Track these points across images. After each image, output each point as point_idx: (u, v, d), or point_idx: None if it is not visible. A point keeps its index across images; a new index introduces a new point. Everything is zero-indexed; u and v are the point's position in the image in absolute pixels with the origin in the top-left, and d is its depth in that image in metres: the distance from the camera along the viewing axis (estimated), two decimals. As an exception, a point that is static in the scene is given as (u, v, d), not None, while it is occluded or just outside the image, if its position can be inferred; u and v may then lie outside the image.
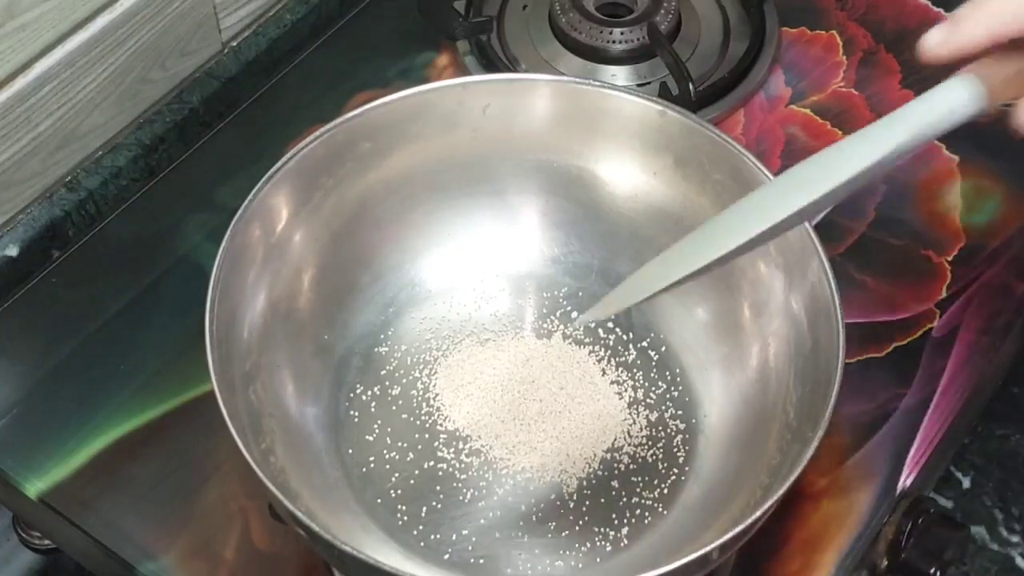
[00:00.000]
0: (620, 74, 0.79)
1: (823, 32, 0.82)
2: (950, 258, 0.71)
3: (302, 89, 0.79)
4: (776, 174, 0.59)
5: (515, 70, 0.78)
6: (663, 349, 0.66)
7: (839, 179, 0.46)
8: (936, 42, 0.45)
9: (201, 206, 0.73)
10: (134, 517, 0.62)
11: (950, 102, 0.46)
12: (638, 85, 0.78)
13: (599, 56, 0.79)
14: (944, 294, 0.70)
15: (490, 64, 0.78)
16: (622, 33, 0.78)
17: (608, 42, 0.78)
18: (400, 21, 0.82)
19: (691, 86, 0.74)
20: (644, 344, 0.66)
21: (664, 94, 0.75)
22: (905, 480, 0.63)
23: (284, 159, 0.60)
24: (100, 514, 0.62)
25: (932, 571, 0.62)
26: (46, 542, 0.73)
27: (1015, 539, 0.85)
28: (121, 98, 0.73)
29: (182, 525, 0.62)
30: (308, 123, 0.75)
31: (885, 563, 0.63)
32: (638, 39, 0.78)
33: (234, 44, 0.79)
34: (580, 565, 0.59)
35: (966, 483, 0.87)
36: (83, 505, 0.62)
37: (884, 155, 0.46)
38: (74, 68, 0.69)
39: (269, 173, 0.59)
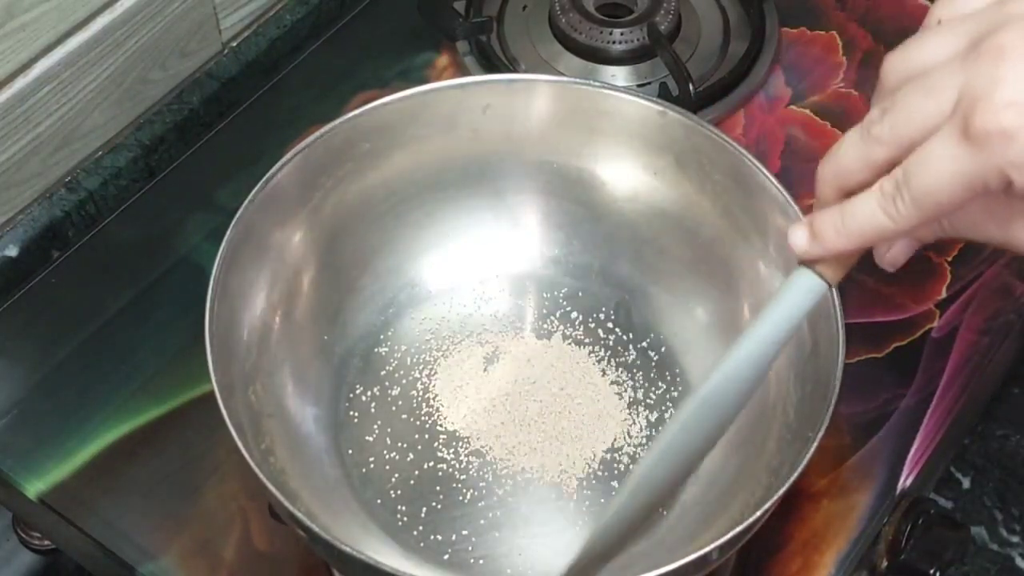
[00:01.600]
0: (620, 74, 0.79)
1: (823, 32, 0.82)
2: (950, 258, 0.71)
3: (302, 90, 0.79)
4: (776, 174, 0.59)
5: (515, 70, 0.78)
6: (663, 350, 0.66)
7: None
8: (801, 248, 0.48)
9: (201, 206, 0.73)
10: (134, 517, 0.62)
11: (799, 301, 0.49)
12: (638, 85, 0.78)
13: (599, 56, 0.79)
14: (944, 294, 0.70)
15: (490, 64, 0.78)
16: (622, 33, 0.78)
17: (608, 42, 0.78)
18: (400, 21, 0.82)
19: (691, 86, 0.74)
20: (644, 344, 0.66)
21: (664, 94, 0.75)
22: (905, 480, 0.63)
23: (284, 160, 0.60)
24: (100, 514, 0.62)
25: (932, 571, 0.62)
26: (46, 542, 0.73)
27: (1015, 539, 0.85)
28: (121, 98, 0.73)
29: (182, 525, 0.62)
30: (308, 123, 0.75)
31: (885, 563, 0.63)
32: (638, 39, 0.78)
33: (234, 44, 0.79)
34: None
35: (966, 483, 0.87)
36: (83, 505, 0.62)
37: (759, 364, 0.49)
38: (74, 68, 0.69)
39: (269, 173, 0.59)
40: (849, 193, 0.46)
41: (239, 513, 0.62)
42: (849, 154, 0.46)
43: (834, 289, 0.54)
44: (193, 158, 0.76)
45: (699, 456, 0.52)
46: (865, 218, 0.45)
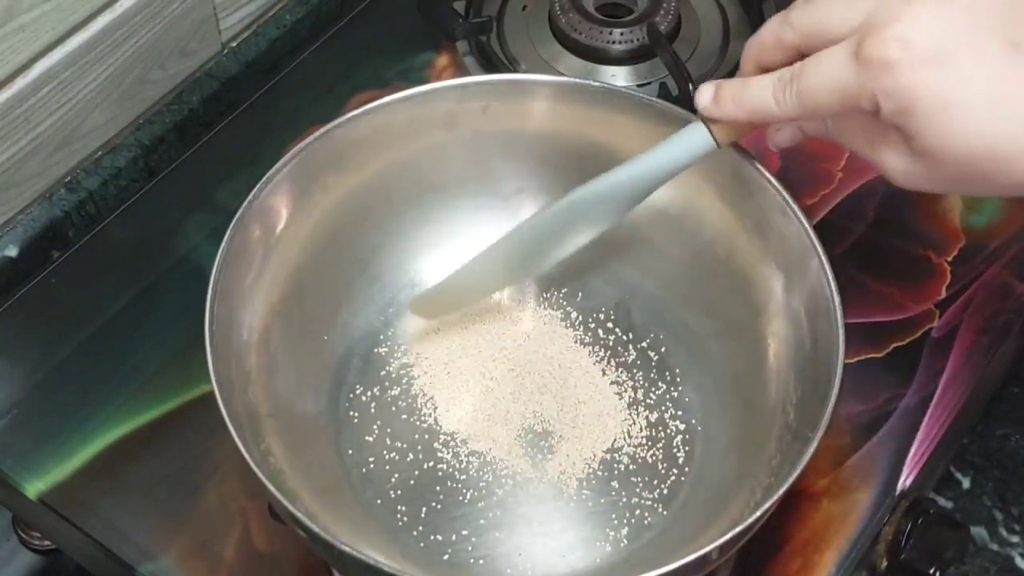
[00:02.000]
0: (620, 74, 0.79)
1: (823, 32, 0.82)
2: (950, 258, 0.71)
3: (302, 90, 0.79)
4: (776, 174, 0.59)
5: (515, 70, 0.78)
6: (663, 350, 0.66)
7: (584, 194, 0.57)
8: (703, 105, 0.53)
9: (201, 207, 0.73)
10: (134, 517, 0.62)
11: (686, 148, 0.55)
12: (638, 85, 0.78)
13: (599, 56, 0.79)
14: (944, 294, 0.70)
15: (490, 64, 0.78)
16: (622, 33, 0.78)
17: (608, 42, 0.78)
18: (400, 22, 0.82)
19: (691, 86, 0.74)
20: (644, 344, 0.66)
21: (664, 94, 0.76)
22: (905, 480, 0.63)
23: (283, 160, 0.60)
24: (100, 514, 0.62)
25: (932, 571, 0.62)
26: (46, 542, 0.73)
27: (1015, 539, 0.85)
28: (121, 99, 0.73)
29: (182, 525, 0.62)
30: (308, 123, 0.75)
31: (885, 563, 0.63)
32: (638, 39, 0.78)
33: (234, 45, 0.79)
34: (580, 565, 0.59)
35: (966, 483, 0.87)
36: (83, 505, 0.62)
37: (628, 185, 0.56)
38: (74, 68, 0.69)
39: (268, 174, 0.59)
40: (766, 70, 0.51)
41: (239, 513, 0.62)
42: (767, 31, 0.51)
43: (836, 290, 0.55)
44: (193, 158, 0.76)
45: (553, 246, 0.60)
46: (758, 97, 0.50)
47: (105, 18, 0.69)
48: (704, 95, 0.52)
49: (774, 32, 0.50)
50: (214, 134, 0.77)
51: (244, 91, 0.79)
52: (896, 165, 0.48)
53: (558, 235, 0.60)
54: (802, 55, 0.49)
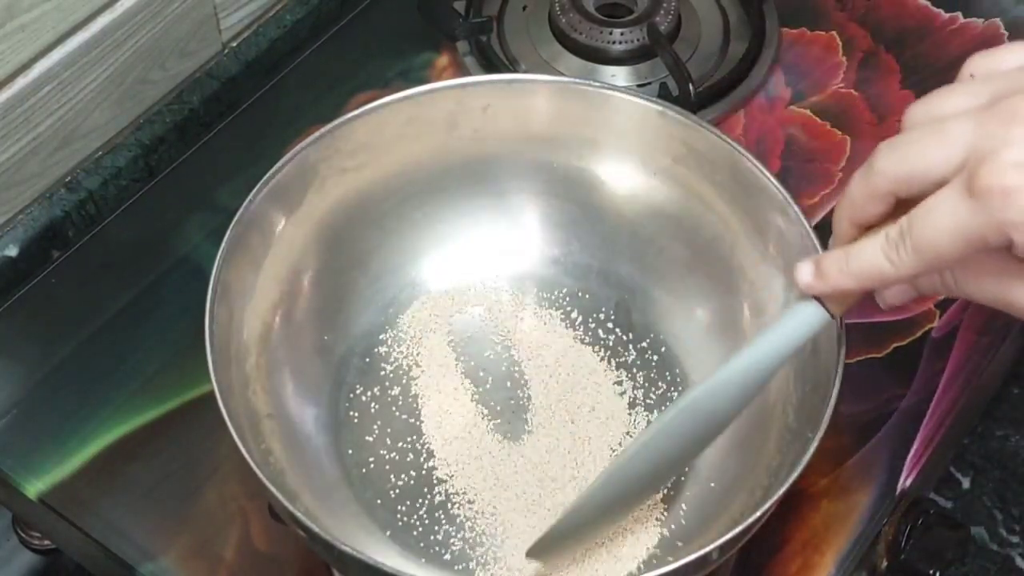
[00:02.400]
0: (620, 74, 0.79)
1: (823, 32, 0.82)
2: (950, 258, 0.71)
3: (302, 90, 0.79)
4: (776, 174, 0.59)
5: (515, 70, 0.78)
6: (663, 350, 0.66)
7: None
8: (805, 283, 0.49)
9: (201, 206, 0.73)
10: (134, 517, 0.62)
11: (800, 329, 0.51)
12: (638, 85, 0.78)
13: (599, 57, 0.79)
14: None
15: (490, 65, 0.78)
16: (622, 33, 0.78)
17: (608, 42, 0.78)
18: (400, 21, 0.82)
19: (691, 87, 0.74)
20: (644, 345, 0.66)
21: (664, 94, 0.76)
22: (905, 481, 0.63)
23: (283, 160, 0.60)
24: (100, 514, 0.62)
25: (932, 572, 0.62)
26: (46, 542, 0.73)
27: (1015, 539, 0.85)
28: (121, 98, 0.73)
29: (182, 525, 0.62)
30: (308, 123, 0.75)
31: (885, 564, 0.63)
32: (638, 39, 0.78)
33: (234, 45, 0.79)
34: (581, 565, 0.59)
35: (966, 484, 0.87)
36: (83, 505, 0.62)
37: (759, 374, 0.52)
38: (74, 68, 0.69)
39: (268, 174, 0.59)
40: (864, 228, 0.47)
41: (239, 513, 0.62)
42: (856, 187, 0.47)
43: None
44: (193, 158, 0.76)
45: (675, 463, 0.56)
46: (868, 261, 0.46)
47: (105, 18, 0.69)
48: (804, 273, 0.49)
49: (864, 186, 0.46)
50: (214, 134, 0.77)
51: (244, 91, 0.79)
52: None
53: (677, 449, 0.55)
54: (901, 201, 0.45)
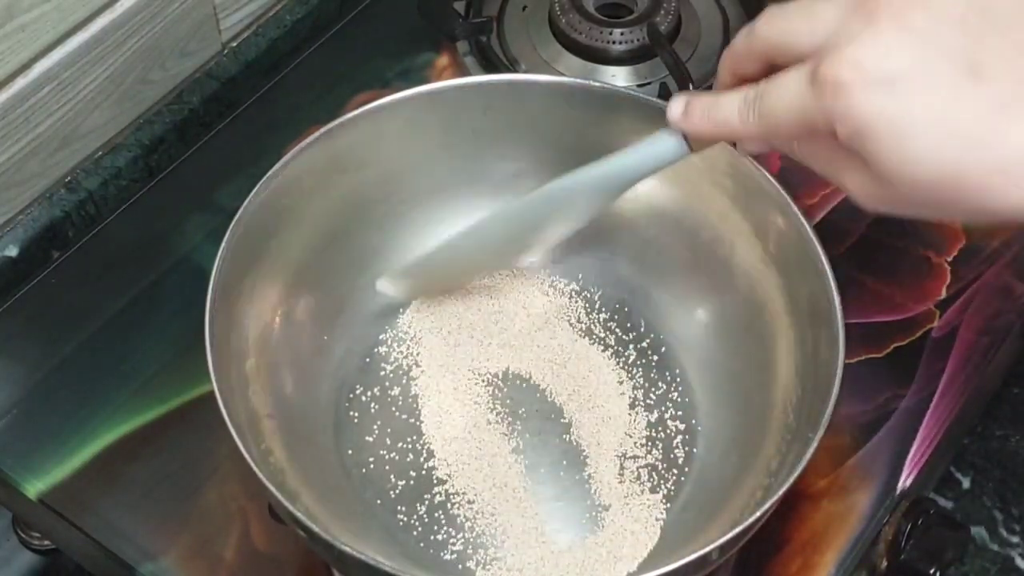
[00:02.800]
0: (620, 74, 0.79)
1: (823, 32, 0.82)
2: (950, 258, 0.71)
3: (302, 90, 0.79)
4: (776, 175, 0.59)
5: (515, 71, 0.78)
6: (663, 350, 0.66)
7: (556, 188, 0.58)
8: (673, 117, 0.52)
9: (201, 206, 0.73)
10: (134, 517, 0.62)
11: (660, 151, 0.54)
12: (638, 85, 0.78)
13: (599, 57, 0.79)
14: (944, 294, 0.70)
15: (490, 65, 0.78)
16: (622, 34, 0.78)
17: (608, 43, 0.78)
18: (400, 22, 0.82)
19: (691, 86, 0.74)
20: (644, 345, 0.66)
21: (664, 95, 0.75)
22: (905, 480, 0.63)
23: (282, 161, 0.60)
24: (100, 514, 0.62)
25: (932, 571, 0.62)
26: (46, 542, 0.73)
27: (1015, 539, 0.85)
28: (121, 99, 0.73)
29: (182, 525, 0.62)
30: (308, 124, 0.75)
31: (885, 564, 0.63)
32: (638, 39, 0.78)
33: (234, 45, 0.79)
34: (580, 565, 0.59)
35: (966, 483, 0.87)
36: (83, 506, 0.62)
37: (597, 184, 0.57)
38: (74, 68, 0.69)
39: (268, 174, 0.59)
40: (742, 79, 0.50)
41: (239, 513, 0.62)
42: (738, 41, 0.51)
43: (836, 291, 0.54)
44: (193, 158, 0.76)
45: (527, 236, 0.62)
46: (725, 114, 0.50)
47: (105, 18, 0.69)
48: (675, 107, 0.52)
49: (743, 43, 0.50)
50: (214, 134, 0.77)
51: (244, 91, 0.79)
52: (859, 189, 0.48)
53: (532, 225, 0.61)
54: (776, 66, 0.48)
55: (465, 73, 0.79)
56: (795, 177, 0.74)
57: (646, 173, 0.56)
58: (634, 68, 0.79)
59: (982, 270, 0.71)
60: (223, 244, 0.57)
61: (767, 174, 0.59)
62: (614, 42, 0.78)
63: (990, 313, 0.69)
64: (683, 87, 0.75)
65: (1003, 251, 0.71)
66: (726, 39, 0.81)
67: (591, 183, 0.58)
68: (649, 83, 0.78)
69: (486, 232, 0.62)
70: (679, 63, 0.76)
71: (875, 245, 0.72)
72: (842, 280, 0.56)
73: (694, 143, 0.53)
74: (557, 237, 0.63)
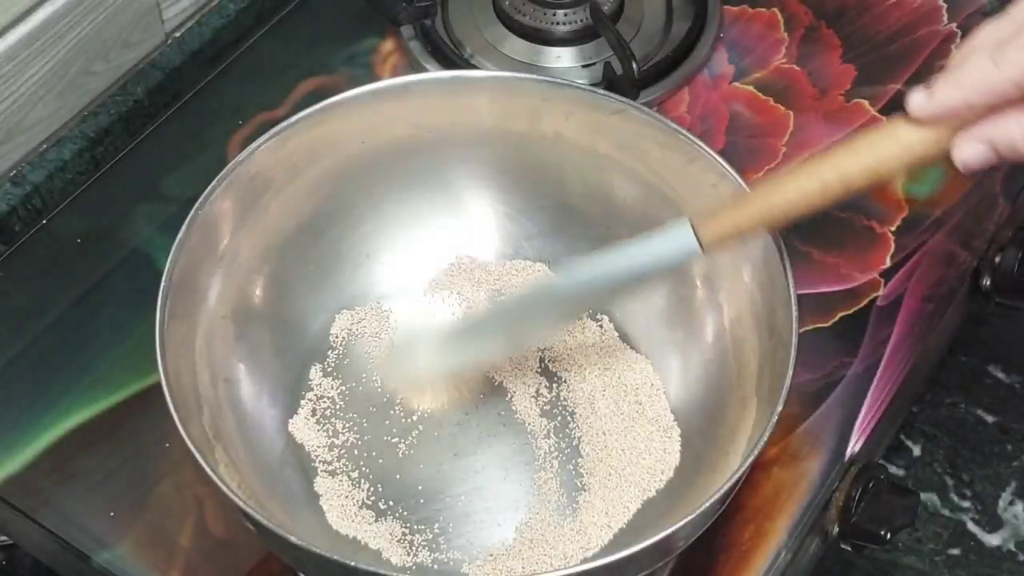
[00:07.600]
0: (565, 55, 0.79)
1: (764, 9, 0.82)
2: (893, 228, 0.72)
3: (247, 78, 0.79)
4: (721, 151, 0.60)
5: (460, 54, 0.78)
6: (615, 331, 0.66)
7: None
8: (917, 105, 0.49)
9: (148, 197, 0.72)
10: (88, 507, 0.62)
11: (671, 249, 0.53)
12: (583, 66, 0.78)
13: (543, 38, 0.79)
14: (888, 263, 0.71)
15: (435, 49, 0.78)
16: (565, 14, 0.79)
17: (552, 23, 0.79)
18: (343, 7, 0.82)
19: (635, 65, 0.75)
20: (601, 326, 0.66)
21: (608, 74, 0.76)
22: (854, 446, 0.64)
23: (233, 163, 0.60)
24: (54, 505, 0.62)
25: (883, 532, 0.63)
26: (2, 538, 0.72)
27: (966, 504, 0.87)
28: (64, 91, 0.73)
29: (137, 514, 0.62)
30: (254, 112, 0.75)
31: (836, 528, 0.64)
32: (581, 20, 0.79)
33: (177, 35, 0.79)
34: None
35: (916, 451, 0.88)
36: (37, 497, 0.62)
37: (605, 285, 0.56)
38: (15, 62, 0.69)
39: (218, 177, 0.59)
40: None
41: (193, 500, 0.62)
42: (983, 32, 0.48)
43: (789, 265, 0.56)
44: (139, 149, 0.76)
45: (535, 327, 0.62)
46: (974, 70, 0.47)
47: (46, 10, 0.69)
48: (916, 97, 0.48)
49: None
50: (160, 124, 0.77)
51: (189, 81, 0.78)
52: None
53: (530, 323, 0.61)
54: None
55: (410, 58, 0.79)
56: (740, 152, 0.75)
57: (654, 274, 0.55)
58: (579, 49, 0.79)
59: (925, 239, 0.72)
60: (174, 246, 0.57)
61: (724, 163, 0.59)
62: (558, 23, 0.79)
63: (933, 281, 0.70)
64: (627, 66, 0.75)
65: (945, 220, 0.72)
66: (669, 18, 0.81)
67: (596, 289, 0.57)
68: (594, 63, 0.79)
69: (480, 327, 0.62)
70: (622, 43, 0.76)
71: (819, 217, 0.71)
72: (788, 252, 0.57)
73: (707, 236, 0.52)
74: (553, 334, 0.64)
